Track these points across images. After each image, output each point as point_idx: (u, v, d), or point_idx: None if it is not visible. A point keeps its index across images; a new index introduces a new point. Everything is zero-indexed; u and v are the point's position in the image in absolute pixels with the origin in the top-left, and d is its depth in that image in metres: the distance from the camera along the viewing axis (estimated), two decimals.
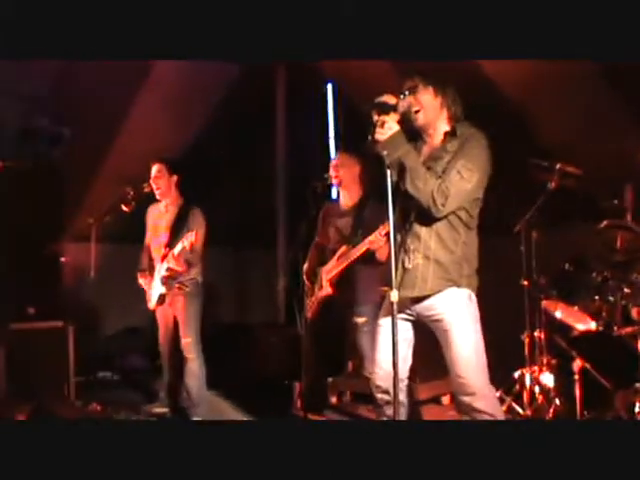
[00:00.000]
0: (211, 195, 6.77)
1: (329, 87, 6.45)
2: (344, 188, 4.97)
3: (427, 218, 3.24)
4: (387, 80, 5.72)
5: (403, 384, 3.39)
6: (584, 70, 5.27)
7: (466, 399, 3.20)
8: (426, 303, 3.30)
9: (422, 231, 3.26)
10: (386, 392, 3.31)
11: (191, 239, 4.75)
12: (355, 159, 4.91)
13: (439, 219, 3.23)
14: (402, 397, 3.35)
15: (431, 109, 3.29)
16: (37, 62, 5.72)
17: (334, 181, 4.90)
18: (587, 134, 5.67)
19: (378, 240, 4.38)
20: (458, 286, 3.24)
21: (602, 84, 5.41)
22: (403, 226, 3.31)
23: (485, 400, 3.20)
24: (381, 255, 4.45)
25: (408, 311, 3.35)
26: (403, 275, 3.29)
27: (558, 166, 4.54)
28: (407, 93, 3.27)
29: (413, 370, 3.49)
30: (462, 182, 3.16)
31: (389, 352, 3.07)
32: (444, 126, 3.33)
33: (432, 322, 3.30)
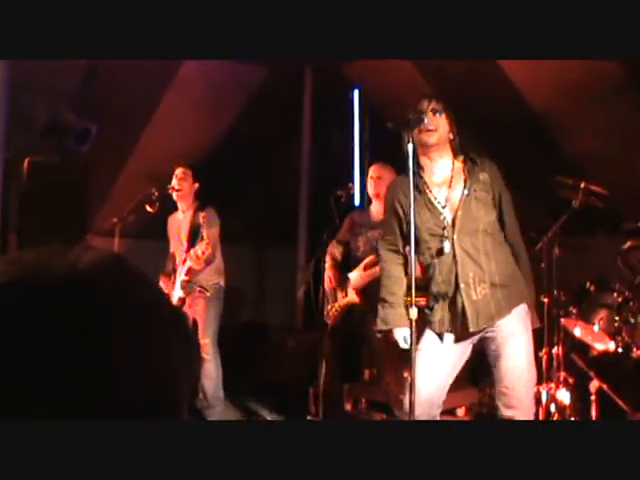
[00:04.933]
0: (234, 196, 6.80)
1: (355, 93, 6.43)
2: (380, 200, 4.90)
3: (483, 245, 3.28)
4: (413, 88, 5.70)
5: (438, 411, 3.40)
6: (614, 83, 5.19)
7: (508, 412, 3.18)
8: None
9: (481, 259, 3.25)
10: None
11: (202, 248, 4.76)
12: (393, 173, 4.85)
13: (491, 244, 3.30)
14: None
15: (444, 134, 3.36)
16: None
17: (371, 192, 4.90)
18: (615, 150, 5.60)
19: None
20: (524, 301, 3.31)
21: (633, 97, 5.32)
22: (454, 257, 3.27)
23: (526, 417, 3.19)
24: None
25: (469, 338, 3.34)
26: (471, 307, 3.23)
27: (583, 185, 4.43)
28: (427, 114, 3.30)
29: None
30: (515, 217, 3.42)
31: (430, 380, 3.19)
32: (447, 152, 3.39)
33: (486, 334, 3.30)
